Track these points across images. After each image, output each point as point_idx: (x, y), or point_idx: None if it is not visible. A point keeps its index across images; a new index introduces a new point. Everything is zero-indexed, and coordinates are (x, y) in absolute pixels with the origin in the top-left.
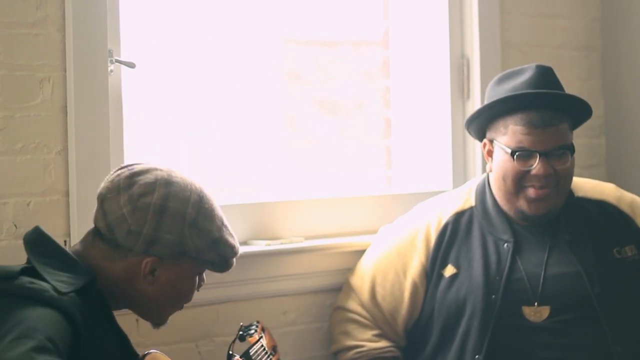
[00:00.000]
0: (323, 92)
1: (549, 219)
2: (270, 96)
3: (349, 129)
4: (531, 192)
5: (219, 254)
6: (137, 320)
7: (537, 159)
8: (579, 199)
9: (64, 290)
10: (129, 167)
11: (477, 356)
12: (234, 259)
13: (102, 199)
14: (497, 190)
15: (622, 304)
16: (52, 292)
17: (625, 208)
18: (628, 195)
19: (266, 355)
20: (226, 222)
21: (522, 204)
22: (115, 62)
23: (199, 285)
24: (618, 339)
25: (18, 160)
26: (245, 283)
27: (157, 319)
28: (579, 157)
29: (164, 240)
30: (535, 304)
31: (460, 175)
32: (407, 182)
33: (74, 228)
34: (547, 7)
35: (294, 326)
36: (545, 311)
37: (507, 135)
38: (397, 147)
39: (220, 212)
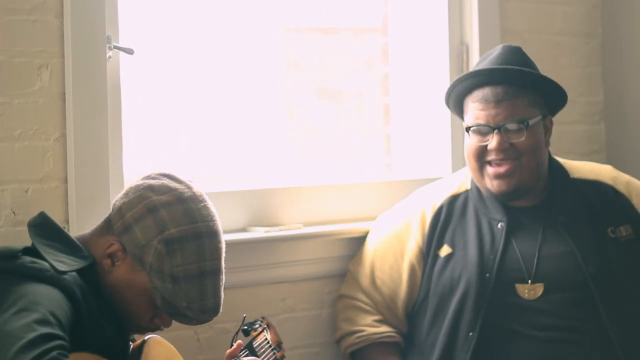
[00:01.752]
0: (322, 80)
1: (542, 200)
2: (270, 84)
3: (349, 116)
4: (490, 169)
5: (172, 292)
6: None
7: (493, 133)
8: (574, 180)
9: (61, 269)
10: (178, 177)
11: (470, 334)
12: (193, 319)
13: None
14: (469, 170)
15: (617, 283)
16: (53, 272)
17: (621, 188)
18: (624, 176)
19: (270, 349)
20: (208, 284)
21: (487, 182)
22: (114, 48)
23: (159, 320)
24: (613, 318)
25: (16, 147)
26: (244, 270)
27: (127, 325)
28: (579, 143)
29: (134, 234)
30: (529, 281)
31: (459, 162)
32: (406, 169)
33: (72, 215)
34: None
35: (293, 313)
36: (539, 288)
37: (468, 114)
38: (396, 134)
39: (209, 269)
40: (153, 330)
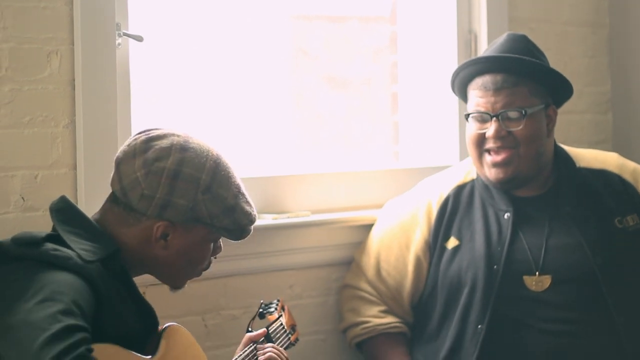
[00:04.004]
0: (331, 68)
1: (548, 189)
2: (278, 72)
3: (357, 104)
4: (488, 157)
5: (234, 221)
6: (143, 293)
7: (491, 121)
8: (580, 169)
9: (88, 258)
10: (146, 132)
11: (479, 326)
12: (251, 227)
13: (119, 162)
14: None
15: (625, 274)
16: (77, 260)
17: (627, 176)
18: (631, 164)
19: (285, 334)
20: (243, 190)
21: (486, 171)
22: (123, 35)
23: (215, 253)
24: (620, 309)
25: (26, 134)
26: (252, 257)
27: (174, 284)
28: (586, 133)
29: (177, 205)
30: (537, 273)
31: (466, 150)
32: (414, 157)
33: (81, 201)
34: None
35: (300, 300)
36: (546, 280)
37: (469, 101)
38: (404, 122)
39: (237, 179)
40: (208, 267)
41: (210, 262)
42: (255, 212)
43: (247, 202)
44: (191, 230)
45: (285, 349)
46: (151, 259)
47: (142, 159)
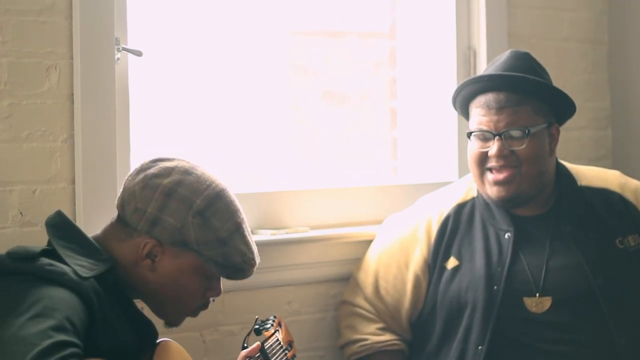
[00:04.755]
0: (330, 83)
1: (549, 209)
2: (277, 87)
3: (356, 119)
4: (490, 176)
5: (224, 254)
6: (142, 308)
7: (494, 139)
8: (581, 188)
9: (84, 274)
10: (163, 155)
11: (479, 347)
12: (248, 269)
13: (126, 178)
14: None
15: (625, 295)
16: (71, 275)
17: (629, 195)
18: (633, 182)
19: (281, 350)
20: (246, 232)
21: (487, 189)
22: (122, 50)
23: (212, 292)
24: (621, 330)
25: (24, 148)
26: None
27: (167, 317)
28: (586, 149)
29: (165, 223)
30: (537, 295)
31: (466, 166)
32: (413, 172)
33: (79, 216)
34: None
35: (298, 316)
36: (547, 302)
37: (471, 119)
38: (403, 138)
39: (240, 220)
40: (205, 307)
41: (207, 302)
42: (253, 256)
43: (245, 243)
44: (180, 255)
45: None
46: (140, 281)
47: (144, 174)
